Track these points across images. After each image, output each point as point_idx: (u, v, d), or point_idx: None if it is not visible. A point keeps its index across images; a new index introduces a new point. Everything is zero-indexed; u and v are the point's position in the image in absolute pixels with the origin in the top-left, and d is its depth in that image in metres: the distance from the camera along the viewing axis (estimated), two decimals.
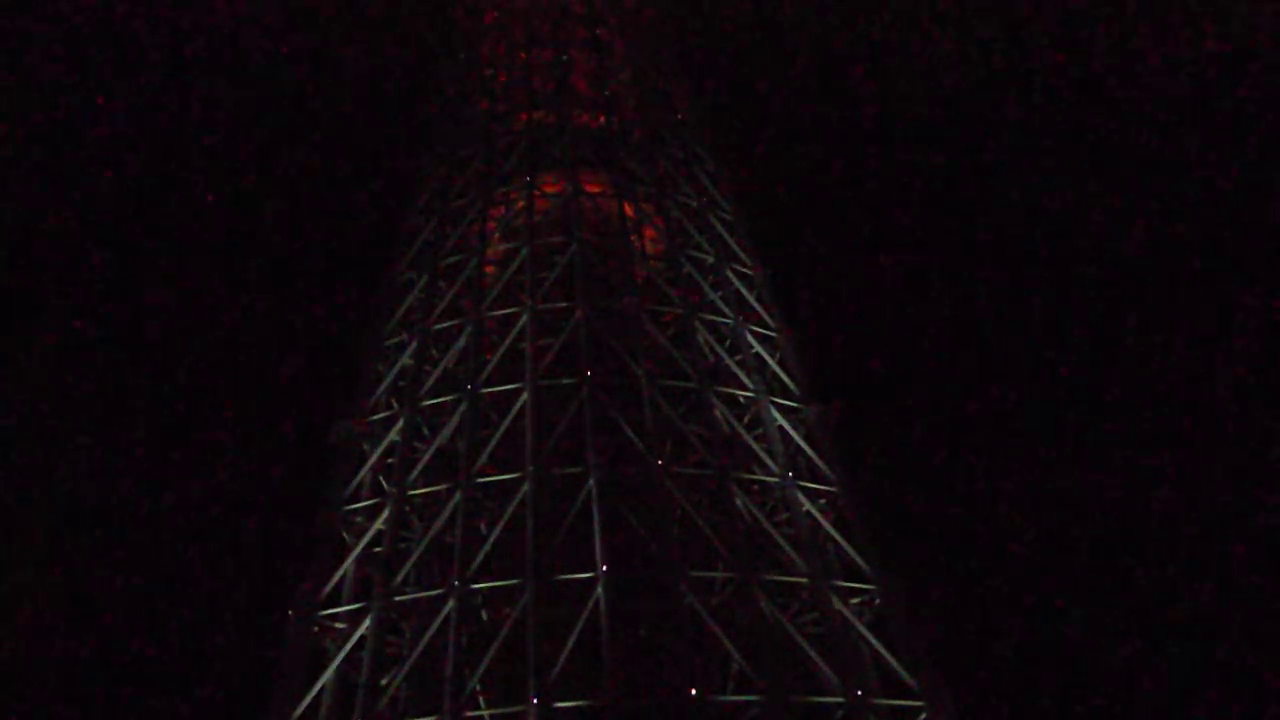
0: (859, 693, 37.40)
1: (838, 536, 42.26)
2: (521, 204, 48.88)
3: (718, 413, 43.20)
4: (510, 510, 39.62)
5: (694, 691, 37.76)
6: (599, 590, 36.99)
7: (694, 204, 50.83)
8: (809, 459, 44.29)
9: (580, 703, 36.04)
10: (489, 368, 43.91)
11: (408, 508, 42.47)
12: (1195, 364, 77.96)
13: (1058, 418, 78.34)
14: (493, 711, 38.96)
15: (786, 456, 43.55)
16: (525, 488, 39.63)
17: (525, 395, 42.07)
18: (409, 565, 40.83)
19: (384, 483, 43.99)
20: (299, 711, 38.32)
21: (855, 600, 40.62)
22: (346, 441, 45.09)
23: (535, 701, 35.22)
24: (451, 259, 48.93)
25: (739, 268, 49.60)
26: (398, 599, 39.77)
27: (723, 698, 39.06)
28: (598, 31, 56.15)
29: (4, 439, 72.71)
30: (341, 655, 39.19)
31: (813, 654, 38.02)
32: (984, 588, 67.02)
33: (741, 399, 44.71)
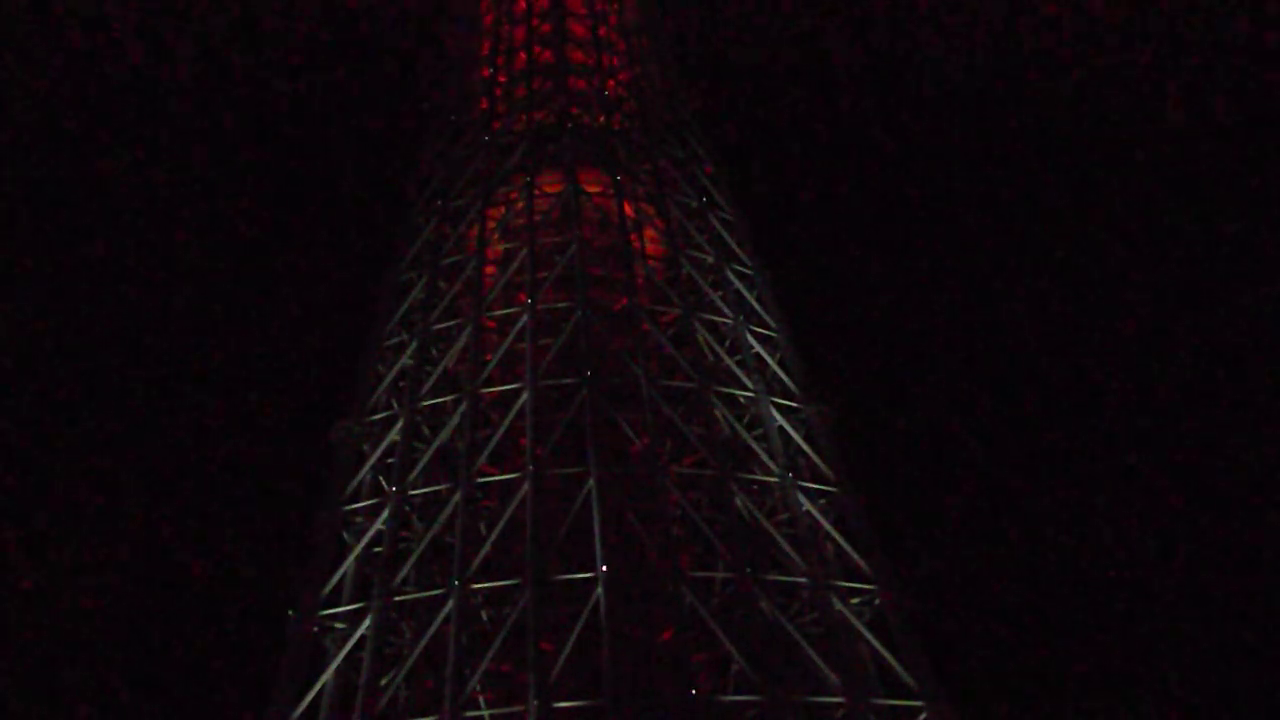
0: (859, 693, 37.41)
1: (838, 536, 42.27)
2: (521, 204, 48.84)
3: (718, 413, 43.19)
4: (510, 510, 39.62)
5: (694, 691, 37.80)
6: (599, 590, 36.99)
7: (694, 204, 50.81)
8: (809, 459, 44.28)
9: (580, 703, 36.06)
10: (489, 368, 43.90)
11: (408, 508, 42.48)
12: (1195, 362, 77.99)
13: (1058, 417, 78.39)
14: (493, 711, 38.97)
15: (786, 456, 43.53)
16: (525, 488, 39.63)
17: (525, 395, 42.05)
18: (409, 565, 40.84)
19: (384, 483, 43.97)
20: (299, 711, 38.34)
21: (855, 600, 40.61)
22: (346, 441, 45.08)
23: (535, 701, 35.23)
24: (451, 259, 48.89)
25: (739, 268, 49.58)
26: (398, 599, 39.79)
27: (723, 698, 39.07)
28: (598, 31, 56.08)
29: (4, 439, 72.75)
30: (341, 655, 39.20)
31: (813, 654, 38.02)
32: (984, 588, 67.03)
33: (741, 399, 44.70)
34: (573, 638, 36.36)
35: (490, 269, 48.16)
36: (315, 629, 40.22)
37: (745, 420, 44.37)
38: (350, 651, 39.09)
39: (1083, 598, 67.65)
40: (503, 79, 55.73)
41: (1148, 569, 68.37)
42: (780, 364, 46.87)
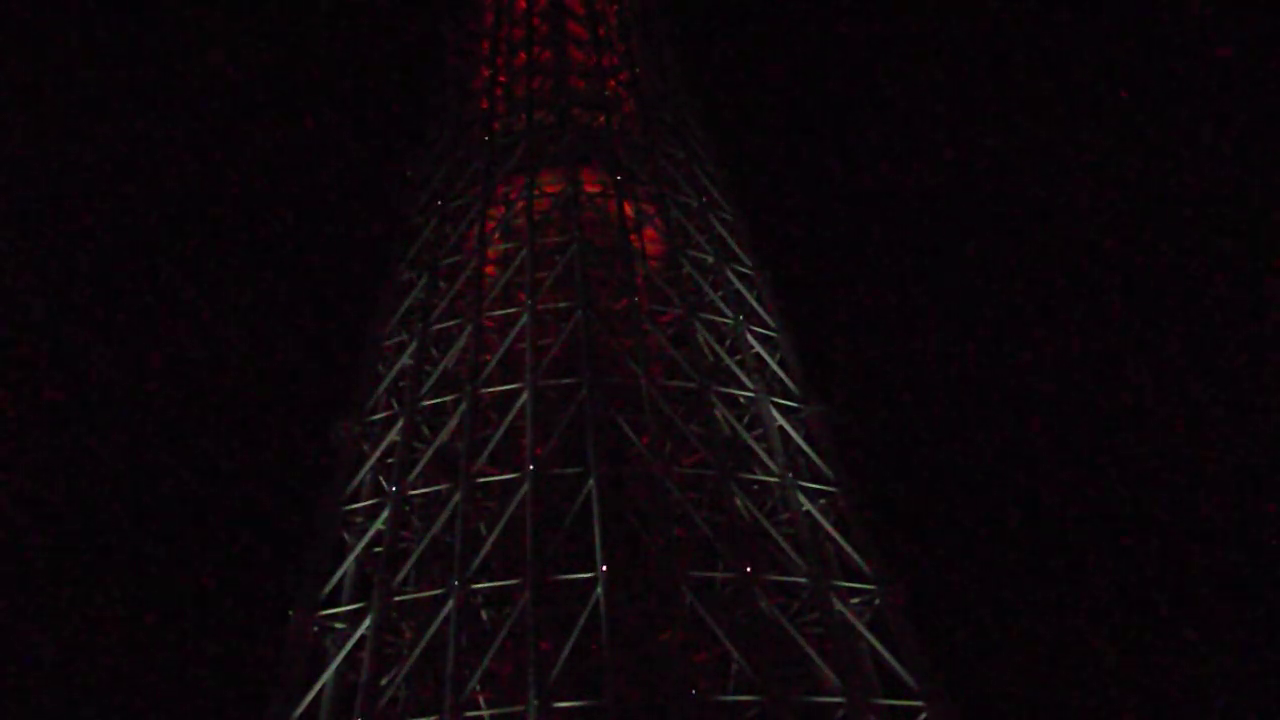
0: (859, 693, 37.46)
1: (838, 536, 42.31)
2: (521, 204, 48.88)
3: (718, 413, 43.22)
4: (510, 510, 39.65)
5: (694, 691, 37.85)
6: (599, 590, 37.03)
7: (694, 204, 50.85)
8: (809, 459, 44.32)
9: (580, 703, 36.10)
10: (489, 368, 43.93)
11: (408, 508, 42.50)
12: (1195, 361, 77.97)
13: (1058, 417, 78.37)
14: (493, 711, 39.01)
15: (786, 456, 43.56)
16: (525, 488, 39.66)
17: (525, 395, 42.09)
18: (409, 565, 40.87)
19: (384, 483, 44.01)
20: (299, 711, 38.38)
21: (855, 600, 40.66)
22: (346, 441, 45.11)
23: (535, 701, 35.27)
24: (451, 259, 48.95)
25: (739, 268, 49.62)
26: (398, 599, 39.82)
27: (723, 698, 39.10)
28: (597, 31, 56.11)
29: (5, 438, 72.77)
30: (341, 655, 39.24)
31: (813, 654, 38.07)
32: (984, 588, 67.03)
33: (741, 399, 44.73)
34: (573, 638, 36.40)
35: (490, 269, 48.20)
36: (315, 629, 40.26)
37: (745, 420, 44.40)
38: (350, 651, 39.12)
39: (1083, 597, 67.66)
40: (503, 79, 55.77)
41: (1148, 568, 68.39)
42: (780, 364, 46.91)
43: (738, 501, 40.83)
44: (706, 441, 42.23)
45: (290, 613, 40.43)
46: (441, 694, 36.86)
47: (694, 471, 41.98)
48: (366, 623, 39.16)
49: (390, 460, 43.87)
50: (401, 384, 46.41)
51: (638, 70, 55.91)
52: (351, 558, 41.69)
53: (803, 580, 40.06)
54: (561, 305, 44.92)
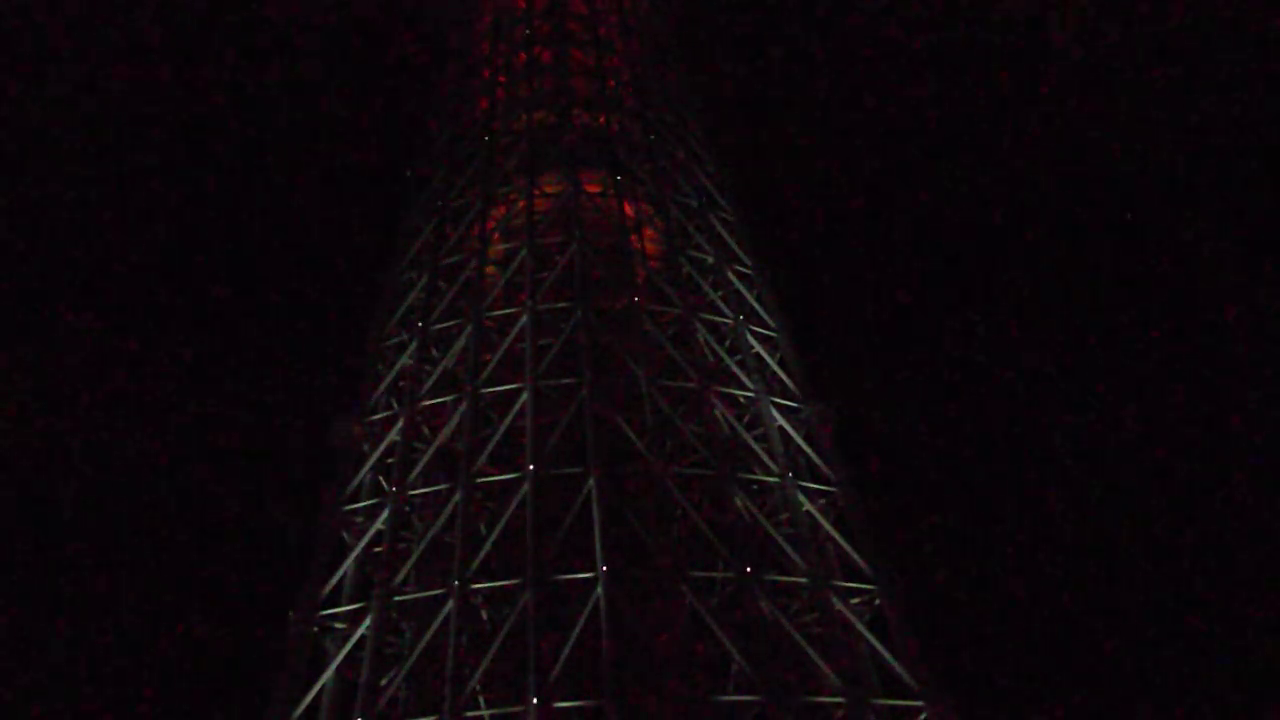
0: (859, 693, 37.46)
1: (838, 536, 42.31)
2: (521, 204, 48.90)
3: (718, 413, 43.21)
4: (510, 510, 39.66)
5: (694, 691, 37.88)
6: (599, 590, 37.03)
7: (694, 204, 50.85)
8: (809, 459, 44.32)
9: (580, 703, 36.10)
10: (489, 368, 43.93)
11: (408, 508, 42.51)
12: (1194, 361, 77.99)
13: (1058, 417, 78.38)
14: (493, 711, 39.01)
15: (786, 456, 43.56)
16: (525, 488, 39.66)
17: (525, 395, 42.10)
18: (409, 565, 40.87)
19: (384, 483, 44.02)
20: (299, 711, 38.38)
21: (855, 600, 40.66)
22: (346, 441, 45.12)
23: (535, 701, 35.28)
24: (451, 259, 48.97)
25: (739, 268, 49.62)
26: (398, 599, 39.82)
27: (723, 698, 39.10)
28: (598, 31, 56.11)
29: (6, 439, 72.77)
30: (341, 655, 39.25)
31: (813, 654, 38.07)
32: (984, 588, 67.04)
33: (741, 399, 44.73)
34: (573, 638, 36.40)
35: (490, 269, 48.22)
36: (315, 629, 40.26)
37: (745, 420, 44.39)
38: (350, 651, 39.13)
39: (1083, 597, 67.67)
40: (503, 79, 55.77)
41: (1148, 568, 68.40)
42: (780, 364, 46.91)
43: (738, 501, 40.82)
44: (706, 441, 42.22)
45: (290, 613, 40.46)
46: (441, 694, 36.86)
47: (694, 471, 41.98)
48: (366, 623, 39.17)
49: (390, 460, 43.88)
50: (401, 384, 46.41)
51: (638, 70, 55.91)
52: (351, 558, 41.69)
53: (803, 580, 40.05)
54: (561, 305, 44.93)
